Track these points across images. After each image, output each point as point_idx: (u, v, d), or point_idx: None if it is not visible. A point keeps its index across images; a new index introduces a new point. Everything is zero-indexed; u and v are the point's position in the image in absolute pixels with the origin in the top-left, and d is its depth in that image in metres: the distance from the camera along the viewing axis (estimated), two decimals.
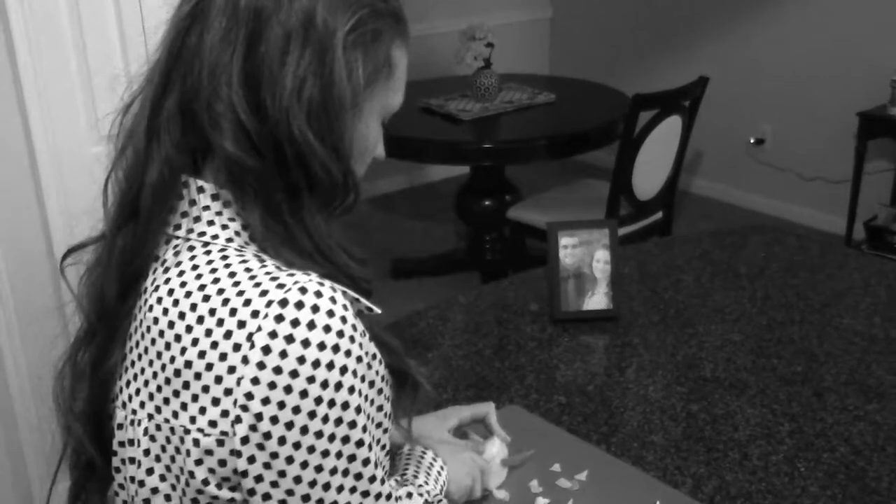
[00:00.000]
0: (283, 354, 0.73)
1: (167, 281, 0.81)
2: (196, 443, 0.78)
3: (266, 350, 0.74)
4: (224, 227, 0.82)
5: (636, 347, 1.64)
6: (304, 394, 0.74)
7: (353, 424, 0.76)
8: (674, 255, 2.03)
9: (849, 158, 3.86)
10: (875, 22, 3.94)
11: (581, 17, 5.27)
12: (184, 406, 0.78)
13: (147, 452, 0.82)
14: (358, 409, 0.77)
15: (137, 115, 0.84)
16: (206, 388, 0.76)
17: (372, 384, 0.79)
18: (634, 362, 1.59)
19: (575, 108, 3.73)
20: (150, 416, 0.81)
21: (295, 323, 0.74)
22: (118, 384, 0.85)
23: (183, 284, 0.79)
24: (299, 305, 0.74)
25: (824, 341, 1.64)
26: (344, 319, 0.76)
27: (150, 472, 0.82)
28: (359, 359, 0.77)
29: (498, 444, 1.26)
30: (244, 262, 0.79)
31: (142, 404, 0.81)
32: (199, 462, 0.78)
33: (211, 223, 0.82)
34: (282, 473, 0.75)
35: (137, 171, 0.82)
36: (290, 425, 0.74)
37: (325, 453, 0.76)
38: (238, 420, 0.75)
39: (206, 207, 0.82)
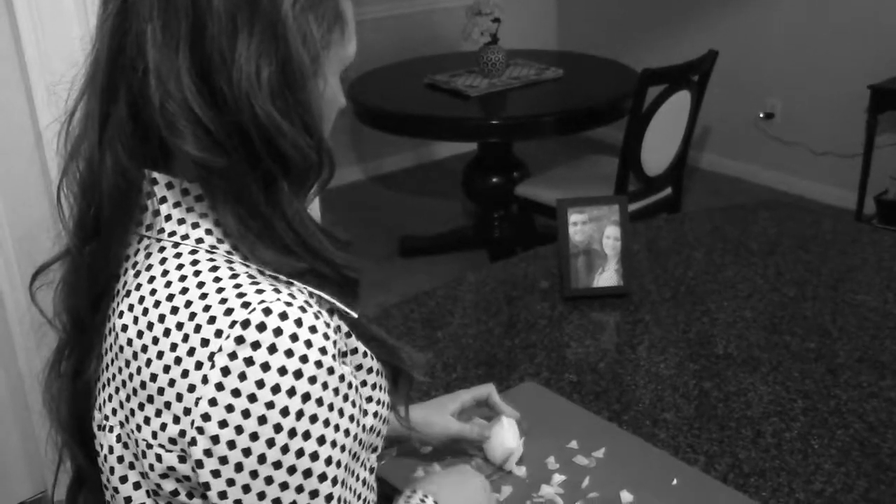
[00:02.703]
0: (242, 377, 0.70)
1: (138, 287, 0.77)
2: (159, 458, 0.76)
3: (225, 371, 0.71)
4: (195, 225, 0.78)
5: (647, 324, 1.63)
6: (262, 419, 0.70)
7: (314, 456, 0.72)
8: (684, 232, 2.01)
9: (859, 132, 3.82)
10: None
11: None
12: (146, 420, 0.76)
13: (121, 459, 0.80)
14: (321, 440, 0.72)
15: (84, 124, 0.78)
16: (167, 405, 0.74)
17: (342, 412, 0.74)
18: (646, 339, 1.58)
19: (583, 83, 3.70)
20: (122, 424, 0.79)
21: (255, 346, 0.70)
22: (96, 387, 0.83)
23: (153, 293, 0.76)
24: (261, 328, 0.71)
25: (837, 317, 1.62)
26: (309, 343, 0.71)
27: (123, 479, 0.80)
28: (324, 385, 0.72)
29: (506, 423, 1.26)
30: (214, 269, 0.75)
31: (113, 411, 0.80)
32: (164, 476, 0.76)
33: (181, 221, 0.78)
34: (245, 491, 0.72)
35: (93, 184, 0.78)
36: (247, 452, 0.71)
37: (284, 486, 0.72)
38: (193, 442, 0.72)
39: (177, 204, 0.78)
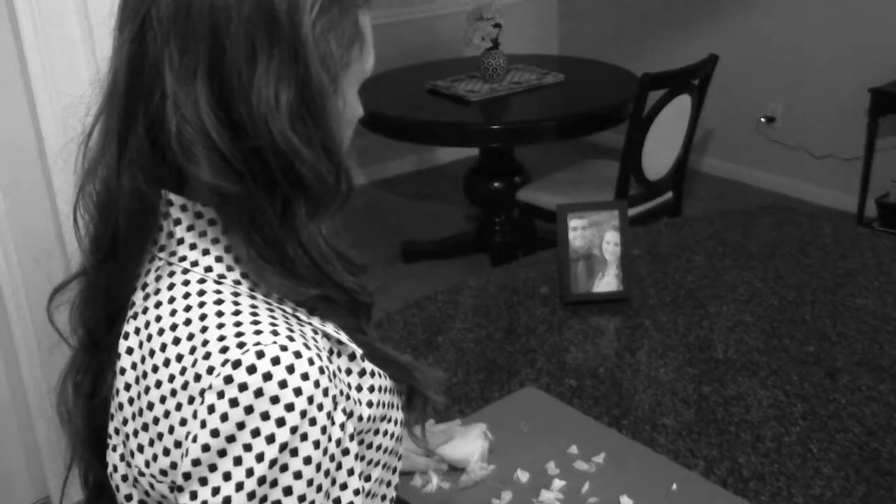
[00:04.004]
0: (224, 417, 0.69)
1: (145, 311, 0.77)
2: (151, 486, 0.76)
3: (210, 409, 0.70)
4: (205, 251, 0.77)
5: (647, 329, 1.63)
6: (237, 461, 0.69)
7: None
8: (684, 236, 2.01)
9: (860, 136, 3.83)
10: None
11: None
12: (140, 448, 0.76)
13: (125, 478, 0.80)
14: (288, 490, 0.70)
15: (102, 146, 0.78)
16: (160, 436, 0.74)
17: (318, 466, 0.71)
18: (645, 344, 1.58)
19: (584, 88, 3.71)
20: (123, 444, 0.79)
21: (242, 387, 0.69)
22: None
23: (158, 319, 0.76)
24: (251, 370, 0.69)
25: (837, 321, 1.63)
26: (298, 391, 0.70)
27: (128, 497, 0.81)
28: (304, 436, 0.70)
29: (469, 429, 1.25)
30: (219, 301, 0.75)
31: (116, 430, 0.80)
32: (162, 499, 0.77)
33: (193, 246, 0.77)
34: None
35: (110, 205, 0.77)
36: (216, 491, 0.70)
37: None
38: (187, 476, 0.71)
39: (190, 227, 0.77)
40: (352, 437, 0.76)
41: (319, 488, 0.72)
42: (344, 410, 0.75)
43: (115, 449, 0.80)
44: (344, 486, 0.75)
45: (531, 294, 1.77)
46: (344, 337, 0.79)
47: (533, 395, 1.43)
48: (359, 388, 0.80)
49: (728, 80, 4.16)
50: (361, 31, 0.79)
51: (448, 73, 3.82)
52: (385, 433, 0.84)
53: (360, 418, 0.80)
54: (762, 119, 4.52)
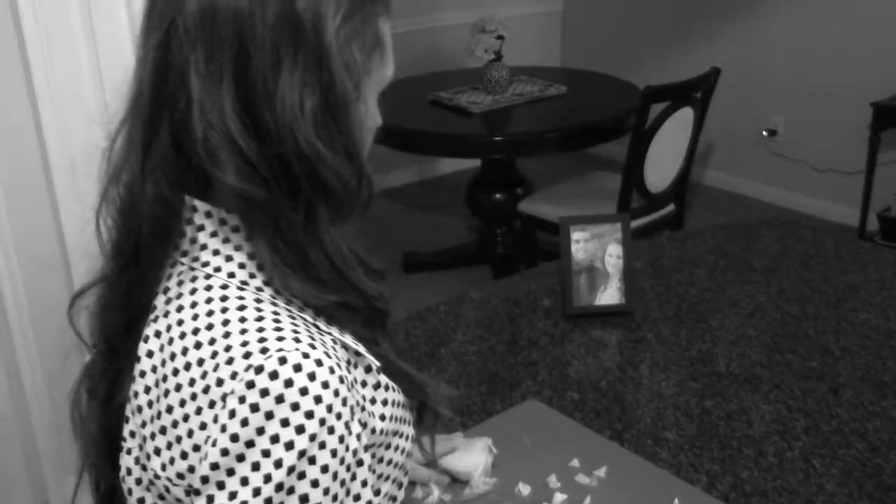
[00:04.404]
0: (245, 423, 0.70)
1: (166, 314, 0.78)
2: (167, 489, 0.76)
3: (231, 414, 0.70)
4: (229, 258, 0.78)
5: (649, 342, 1.63)
6: (255, 466, 0.70)
7: None
8: (686, 249, 2.01)
9: (862, 149, 3.83)
10: (889, 12, 3.90)
11: (592, 9, 5.24)
12: (157, 451, 0.76)
13: (139, 482, 0.80)
14: (304, 498, 0.71)
15: (126, 151, 0.78)
16: (178, 439, 0.74)
17: (335, 475, 0.72)
18: (648, 357, 1.58)
19: (586, 100, 3.71)
20: (140, 447, 0.79)
21: (264, 393, 0.70)
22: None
23: (180, 323, 0.76)
24: (273, 376, 0.70)
25: (840, 336, 1.62)
26: (318, 399, 0.70)
27: (140, 501, 0.81)
28: (322, 444, 0.70)
29: (474, 442, 1.25)
30: (241, 307, 0.75)
31: (132, 434, 0.80)
32: (177, 502, 0.77)
33: (216, 252, 0.78)
34: None
35: (133, 211, 0.78)
36: (233, 495, 0.70)
37: None
38: (205, 480, 0.72)
39: (214, 234, 0.78)
40: (366, 449, 0.76)
41: (335, 497, 0.72)
42: (360, 421, 0.75)
43: (129, 452, 0.80)
44: (357, 498, 0.75)
45: (533, 306, 1.77)
46: (362, 348, 0.79)
47: (535, 408, 1.42)
48: (373, 401, 0.80)
49: (730, 93, 4.16)
50: (382, 39, 0.80)
51: (451, 84, 3.83)
52: (396, 448, 0.84)
53: (374, 431, 0.80)
54: (764, 132, 4.52)
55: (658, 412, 1.41)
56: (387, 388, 0.82)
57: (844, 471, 1.26)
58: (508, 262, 3.79)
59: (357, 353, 0.79)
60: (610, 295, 1.72)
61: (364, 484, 0.75)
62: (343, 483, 0.73)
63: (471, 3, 4.82)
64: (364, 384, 0.80)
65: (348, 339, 0.79)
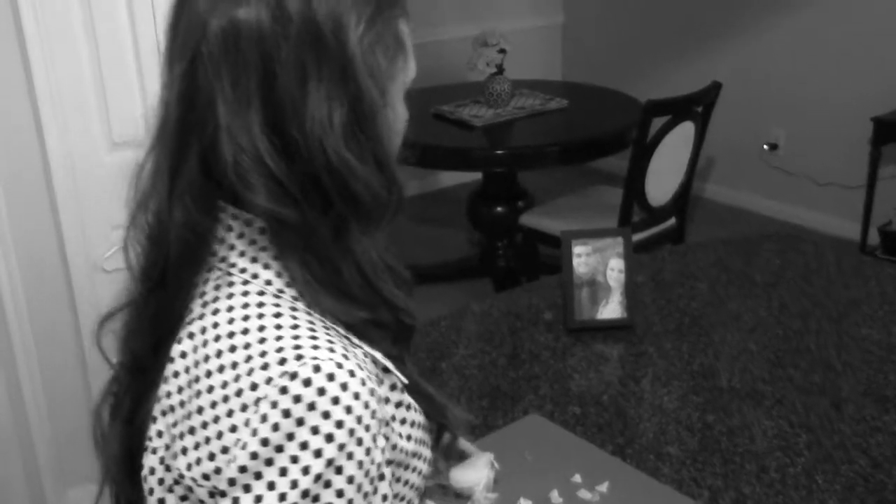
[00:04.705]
0: (276, 427, 0.70)
1: (202, 317, 0.78)
2: (190, 489, 0.76)
3: (264, 419, 0.71)
4: (266, 265, 0.78)
5: (651, 357, 1.63)
6: (283, 472, 0.70)
7: None
8: (688, 263, 2.01)
9: (863, 163, 3.83)
10: (889, 26, 3.91)
11: (593, 23, 5.26)
12: (184, 450, 0.76)
13: (161, 482, 0.80)
14: None
15: (154, 179, 0.79)
16: (207, 440, 0.74)
17: (360, 487, 0.72)
18: (649, 372, 1.58)
19: (587, 114, 3.72)
20: (166, 447, 0.79)
21: (297, 399, 0.70)
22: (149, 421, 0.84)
23: (215, 325, 0.76)
24: (307, 383, 0.70)
25: (841, 351, 1.62)
26: (349, 409, 0.71)
27: (161, 502, 0.80)
28: (350, 455, 0.71)
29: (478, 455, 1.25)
30: (277, 315, 0.76)
31: (159, 433, 0.80)
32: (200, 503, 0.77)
33: (254, 260, 0.78)
34: None
35: (162, 237, 0.78)
36: (258, 499, 0.71)
37: None
38: (232, 482, 0.72)
39: (252, 241, 0.79)
40: (388, 464, 0.77)
41: None
42: (385, 436, 0.76)
43: (154, 451, 0.80)
44: None
45: (535, 320, 1.77)
46: (391, 365, 0.80)
47: (537, 423, 1.42)
48: (395, 419, 0.81)
49: (731, 107, 4.17)
50: (403, 41, 0.81)
51: (452, 97, 3.84)
52: (414, 469, 0.84)
53: (395, 447, 0.80)
54: (765, 146, 4.53)
55: (660, 427, 1.41)
56: (409, 407, 0.83)
57: (847, 486, 1.26)
58: (510, 275, 3.79)
59: (385, 370, 0.80)
60: (611, 309, 1.72)
61: (384, 499, 0.76)
62: (365, 496, 0.73)
63: (473, 17, 4.84)
64: (387, 401, 0.80)
65: (378, 355, 0.79)
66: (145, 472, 0.82)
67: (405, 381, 0.80)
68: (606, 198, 3.49)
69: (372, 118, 0.75)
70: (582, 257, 1.72)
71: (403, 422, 0.82)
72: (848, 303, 1.81)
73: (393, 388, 0.81)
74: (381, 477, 0.75)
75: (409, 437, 0.82)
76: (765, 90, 4.46)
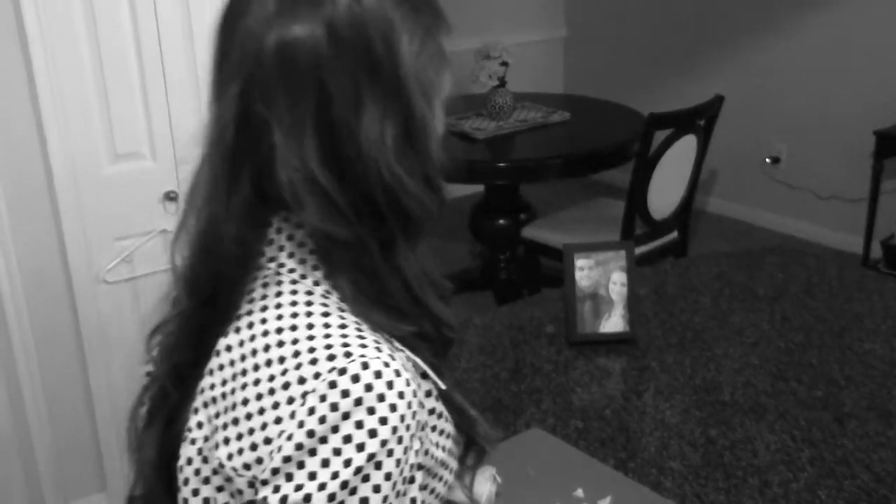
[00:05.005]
0: (322, 420, 0.72)
1: (249, 312, 0.80)
2: (229, 480, 0.77)
3: (311, 411, 0.73)
4: (315, 267, 0.80)
5: (653, 370, 1.62)
6: (325, 463, 0.72)
7: None
8: (690, 277, 2.01)
9: (865, 177, 3.84)
10: (891, 40, 3.92)
11: (595, 37, 5.27)
12: (226, 441, 0.78)
13: (197, 472, 0.82)
14: (364, 502, 0.73)
15: (207, 195, 0.80)
16: (250, 431, 0.76)
17: (395, 485, 0.74)
18: (652, 386, 1.57)
19: (590, 126, 3.72)
20: (205, 438, 0.81)
21: (345, 394, 0.72)
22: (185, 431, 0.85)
23: (263, 321, 0.78)
24: (355, 379, 0.72)
25: (844, 365, 1.62)
26: (393, 408, 0.73)
27: (195, 492, 0.82)
28: (390, 452, 0.73)
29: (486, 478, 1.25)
30: (326, 314, 0.77)
31: (199, 424, 0.82)
32: (233, 495, 0.78)
33: (303, 262, 0.80)
34: None
35: (213, 251, 0.80)
36: (299, 487, 0.72)
37: None
38: (276, 472, 0.73)
39: (302, 244, 0.80)
40: (419, 468, 0.78)
41: None
42: (420, 439, 0.77)
43: (193, 442, 0.82)
44: None
45: (537, 333, 1.76)
46: (430, 371, 0.81)
47: (539, 437, 1.42)
48: (426, 425, 0.82)
49: (733, 120, 4.18)
50: (445, 55, 0.83)
51: (455, 110, 3.84)
52: (441, 479, 0.85)
53: (427, 452, 0.81)
54: (767, 160, 4.53)
55: (662, 441, 1.40)
56: (440, 415, 0.84)
57: (850, 501, 1.25)
58: (512, 288, 3.79)
59: (424, 376, 0.81)
60: (614, 322, 1.71)
61: (413, 502, 0.77)
62: (398, 494, 0.75)
63: (475, 30, 4.85)
64: (421, 406, 0.81)
65: (418, 360, 0.81)
66: (182, 462, 0.83)
67: (443, 386, 0.82)
68: (609, 211, 3.49)
69: (424, 134, 0.78)
70: (584, 270, 1.72)
71: (434, 429, 0.83)
72: (851, 317, 1.80)
73: (428, 394, 0.82)
74: (412, 480, 0.76)
75: (439, 446, 0.84)
76: (767, 104, 4.47)
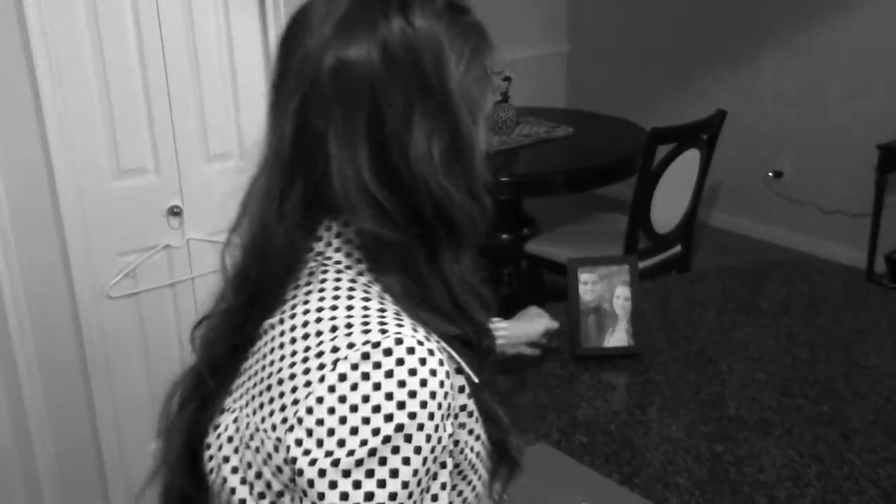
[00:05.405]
0: (354, 387, 0.75)
1: (294, 297, 0.84)
2: (262, 443, 0.80)
3: (342, 377, 0.75)
4: (359, 260, 0.84)
5: (658, 385, 1.62)
6: (354, 431, 0.74)
7: (382, 484, 0.74)
8: (695, 291, 2.01)
9: (869, 191, 3.83)
10: (894, 55, 3.93)
11: (598, 52, 5.29)
12: (261, 406, 0.81)
13: (231, 439, 0.84)
14: (394, 473, 0.75)
15: (262, 201, 0.85)
16: (281, 395, 0.79)
17: (425, 460, 0.76)
18: (657, 400, 1.57)
19: (592, 141, 3.73)
20: (241, 409, 0.84)
21: (377, 366, 0.75)
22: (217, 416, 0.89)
23: (305, 303, 0.82)
24: (388, 352, 0.75)
25: (850, 380, 1.61)
26: (424, 383, 0.75)
27: (226, 459, 0.84)
28: (420, 426, 0.75)
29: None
30: (366, 299, 0.81)
31: (241, 396, 0.85)
32: (264, 461, 0.80)
33: (349, 255, 0.84)
34: (310, 486, 0.75)
35: (262, 253, 0.84)
36: (329, 453, 0.74)
37: (344, 496, 0.74)
38: (290, 429, 0.76)
39: (349, 241, 0.84)
40: (451, 453, 0.80)
41: (419, 483, 0.76)
42: (452, 426, 0.79)
43: (231, 411, 0.86)
44: (435, 498, 0.79)
45: (541, 348, 1.76)
46: (463, 364, 0.83)
47: (544, 452, 1.41)
48: (457, 416, 0.83)
49: (736, 134, 4.18)
50: (490, 75, 0.87)
51: None
52: (470, 483, 0.86)
53: (456, 444, 0.82)
54: (770, 174, 4.53)
55: (668, 456, 1.40)
56: (471, 414, 0.85)
57: None
58: (515, 302, 3.78)
59: (458, 370, 0.82)
60: (618, 337, 1.71)
61: (444, 487, 0.79)
62: (428, 472, 0.77)
63: None
64: (452, 388, 0.82)
65: (453, 353, 0.82)
66: (220, 430, 0.86)
67: (476, 379, 0.83)
68: (612, 225, 3.49)
69: (468, 149, 0.82)
70: (588, 285, 1.72)
71: (463, 427, 0.84)
72: (856, 332, 1.80)
73: (461, 390, 0.83)
74: (444, 465, 0.78)
75: (468, 445, 0.84)
76: (770, 118, 4.47)
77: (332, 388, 0.75)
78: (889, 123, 3.89)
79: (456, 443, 0.82)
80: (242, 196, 0.87)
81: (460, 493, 0.86)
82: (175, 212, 2.30)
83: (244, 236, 0.86)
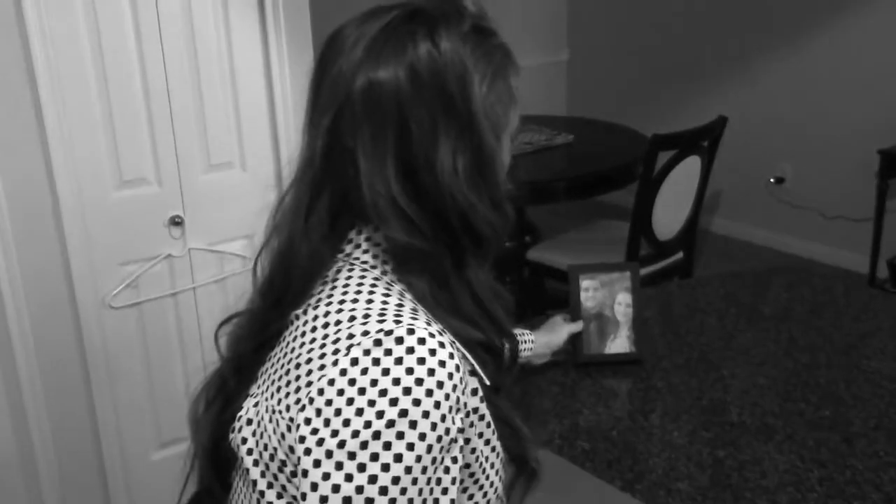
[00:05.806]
0: (364, 371, 0.77)
1: (320, 291, 0.88)
2: (277, 424, 0.83)
3: (354, 362, 0.78)
4: (385, 262, 0.88)
5: (660, 391, 1.62)
6: (359, 412, 0.76)
7: (386, 468, 0.76)
8: (696, 297, 2.01)
9: (870, 196, 3.83)
10: (895, 61, 3.93)
11: (598, 59, 5.30)
12: (279, 389, 0.84)
13: (250, 422, 0.87)
14: (398, 458, 0.76)
15: (292, 212, 0.89)
16: (297, 378, 0.82)
17: (430, 448, 0.77)
18: (659, 406, 1.56)
19: (593, 148, 3.73)
20: (262, 394, 0.87)
21: (387, 353, 0.78)
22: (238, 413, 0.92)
23: (329, 296, 0.86)
24: (399, 341, 0.78)
25: (852, 385, 1.61)
26: (432, 372, 0.78)
27: (244, 440, 0.87)
28: (425, 413, 0.77)
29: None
30: (387, 294, 0.84)
31: (263, 382, 0.88)
32: (279, 441, 0.83)
33: (375, 256, 0.88)
34: (315, 466, 0.77)
35: (289, 262, 0.89)
36: (334, 433, 0.76)
37: (349, 478, 0.76)
38: (302, 408, 0.79)
39: (377, 244, 0.88)
40: (461, 449, 0.81)
41: (424, 470, 0.77)
42: (462, 421, 0.80)
43: (253, 396, 0.89)
44: (445, 491, 0.80)
45: (542, 355, 1.76)
46: (478, 368, 0.85)
47: (545, 459, 1.41)
48: (469, 413, 0.84)
49: (737, 140, 4.18)
50: (514, 95, 0.91)
51: None
52: (482, 487, 0.88)
53: (467, 441, 0.84)
54: (772, 180, 4.53)
55: (670, 462, 1.40)
56: (482, 417, 0.86)
57: None
58: (517, 309, 3.78)
59: (472, 372, 0.84)
60: (620, 343, 1.71)
61: (453, 482, 0.80)
62: (434, 461, 0.78)
63: None
64: (462, 382, 0.83)
65: (469, 356, 0.85)
66: (242, 412, 0.89)
67: (486, 381, 0.85)
68: (613, 232, 3.49)
69: (491, 164, 0.86)
70: (590, 291, 1.72)
71: (472, 426, 0.85)
72: (858, 336, 1.80)
73: (474, 392, 0.85)
74: (454, 460, 0.80)
75: (478, 449, 0.86)
76: (771, 124, 4.48)
77: (343, 371, 0.78)
78: (890, 128, 3.89)
79: (467, 440, 0.84)
80: (271, 210, 0.92)
81: (471, 497, 0.87)
82: (176, 222, 2.31)
83: (274, 248, 0.91)
